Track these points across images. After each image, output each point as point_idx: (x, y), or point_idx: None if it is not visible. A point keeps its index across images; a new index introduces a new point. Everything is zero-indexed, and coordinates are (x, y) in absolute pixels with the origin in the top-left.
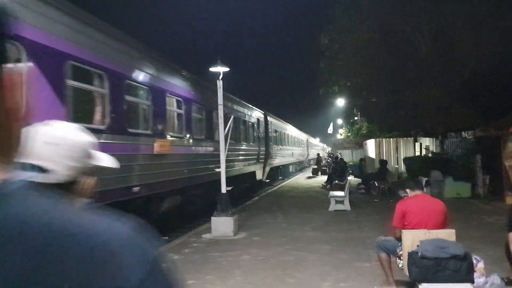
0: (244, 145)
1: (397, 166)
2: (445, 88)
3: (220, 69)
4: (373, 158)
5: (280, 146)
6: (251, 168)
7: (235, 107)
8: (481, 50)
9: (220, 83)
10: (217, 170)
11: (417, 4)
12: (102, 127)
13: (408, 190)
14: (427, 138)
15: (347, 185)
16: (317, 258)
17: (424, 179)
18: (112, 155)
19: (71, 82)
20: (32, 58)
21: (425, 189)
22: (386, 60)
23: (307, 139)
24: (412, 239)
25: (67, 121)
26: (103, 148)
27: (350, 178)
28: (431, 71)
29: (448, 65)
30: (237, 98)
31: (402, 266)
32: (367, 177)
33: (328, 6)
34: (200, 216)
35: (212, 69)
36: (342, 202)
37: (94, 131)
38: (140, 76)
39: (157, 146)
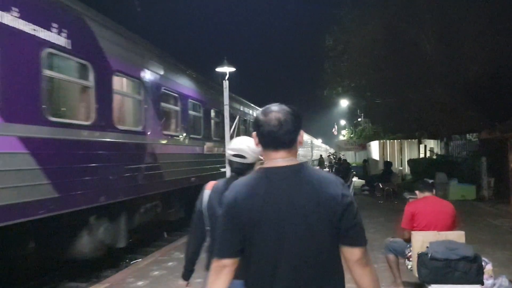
0: None
1: (401, 168)
2: (450, 90)
3: (227, 69)
4: (377, 160)
5: None
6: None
7: (251, 112)
8: (487, 52)
9: (226, 83)
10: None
11: (422, 5)
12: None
13: (417, 192)
14: (432, 140)
15: (351, 187)
16: None
17: (430, 181)
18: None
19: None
20: None
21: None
22: (391, 61)
23: (311, 141)
24: (422, 240)
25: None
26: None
27: (354, 179)
28: (436, 72)
29: (453, 67)
30: (253, 104)
31: (411, 267)
32: (371, 178)
33: (333, 6)
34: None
35: (218, 69)
36: None
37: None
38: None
39: (206, 148)
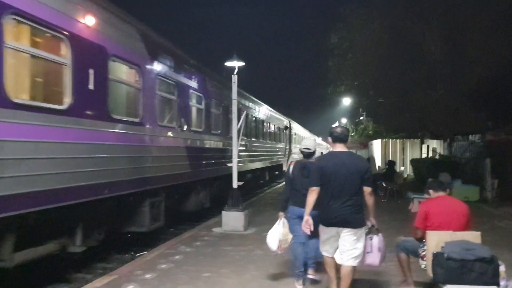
0: (278, 144)
1: (403, 168)
2: (454, 91)
3: (236, 63)
4: (379, 159)
5: (296, 145)
6: (280, 161)
7: (276, 115)
8: (492, 54)
9: (235, 78)
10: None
11: (428, 6)
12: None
13: (431, 191)
14: (434, 141)
15: None
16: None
17: (444, 181)
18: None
19: None
20: None
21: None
22: (395, 61)
23: (315, 139)
24: (437, 240)
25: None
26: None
27: None
28: (440, 73)
29: (458, 68)
30: (276, 110)
31: (425, 266)
32: (374, 177)
33: (339, 4)
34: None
35: (227, 63)
36: None
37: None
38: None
39: (224, 143)
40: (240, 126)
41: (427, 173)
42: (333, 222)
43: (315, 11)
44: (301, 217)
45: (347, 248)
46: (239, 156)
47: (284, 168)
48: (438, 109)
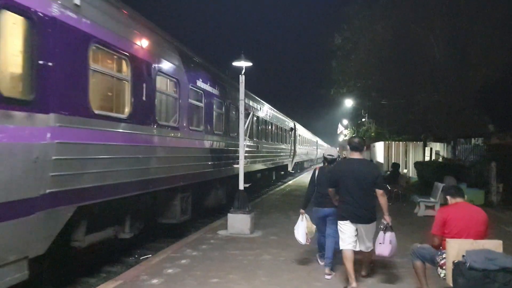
0: (284, 145)
1: (406, 170)
2: (457, 94)
3: (243, 63)
4: (381, 162)
5: (300, 146)
6: (286, 162)
7: (282, 118)
8: (496, 57)
9: (242, 78)
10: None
11: (432, 8)
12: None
13: (448, 197)
14: (438, 143)
15: None
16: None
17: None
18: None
19: None
20: None
21: (466, 196)
22: (398, 62)
23: (317, 141)
24: (457, 248)
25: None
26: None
27: None
28: (444, 76)
29: (461, 70)
30: (283, 113)
31: (444, 276)
32: None
33: (343, 4)
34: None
35: (235, 63)
36: None
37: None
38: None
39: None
40: (247, 126)
41: (433, 176)
42: (348, 218)
43: (319, 12)
44: (323, 217)
45: (362, 238)
46: (251, 157)
47: (290, 168)
48: (441, 111)
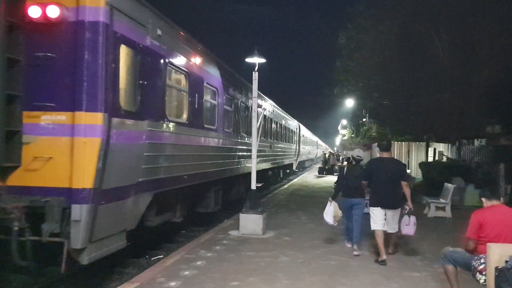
0: (291, 145)
1: (409, 171)
2: (461, 94)
3: (257, 60)
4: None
5: (303, 146)
6: (291, 161)
7: (289, 119)
8: (501, 56)
9: (255, 75)
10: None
11: (437, 8)
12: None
13: (483, 200)
14: (441, 144)
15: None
16: (360, 265)
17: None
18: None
19: None
20: None
21: (502, 199)
22: (402, 62)
23: (317, 141)
24: (500, 253)
25: None
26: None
27: None
28: (447, 76)
29: (466, 70)
30: (289, 115)
31: (484, 281)
32: None
33: (348, 4)
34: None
35: (248, 59)
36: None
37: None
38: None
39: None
40: (259, 125)
41: (439, 177)
42: (378, 204)
43: (324, 11)
44: (350, 206)
45: (389, 221)
46: (265, 156)
47: (294, 167)
48: (444, 112)
